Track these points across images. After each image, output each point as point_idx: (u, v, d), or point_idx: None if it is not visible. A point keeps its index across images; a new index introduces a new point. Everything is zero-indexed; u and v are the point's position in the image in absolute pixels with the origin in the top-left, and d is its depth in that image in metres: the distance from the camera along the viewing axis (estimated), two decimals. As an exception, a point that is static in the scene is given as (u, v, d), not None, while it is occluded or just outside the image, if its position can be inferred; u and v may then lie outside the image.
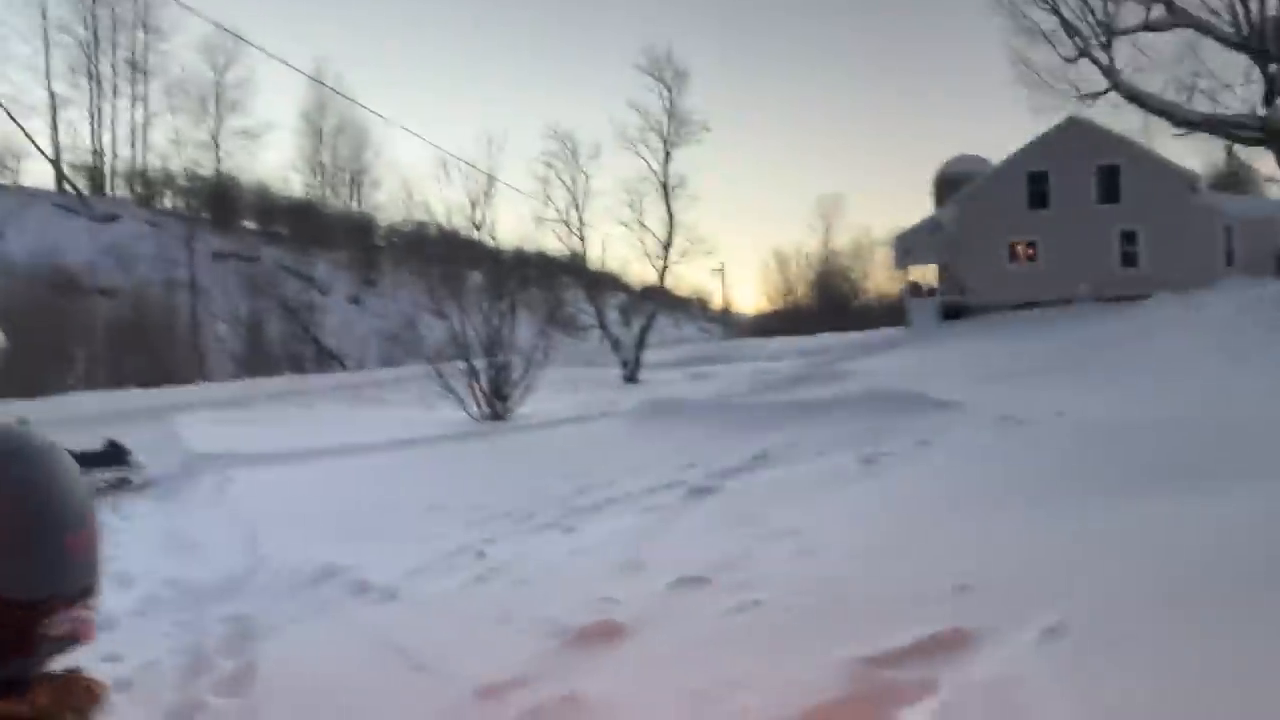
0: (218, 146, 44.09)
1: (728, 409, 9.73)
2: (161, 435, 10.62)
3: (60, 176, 41.36)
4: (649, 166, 26.89)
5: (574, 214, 27.91)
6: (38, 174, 41.68)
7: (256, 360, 35.12)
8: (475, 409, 12.50)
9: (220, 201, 44.73)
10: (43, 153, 40.90)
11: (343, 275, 47.99)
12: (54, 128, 40.64)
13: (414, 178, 51.25)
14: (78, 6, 40.35)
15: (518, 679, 2.55)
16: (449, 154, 13.17)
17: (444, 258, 47.36)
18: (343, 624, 3.54)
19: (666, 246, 26.31)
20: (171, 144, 43.49)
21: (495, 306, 13.45)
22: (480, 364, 12.96)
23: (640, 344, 23.20)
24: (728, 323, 50.84)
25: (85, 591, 0.87)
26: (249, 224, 46.14)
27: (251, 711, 2.57)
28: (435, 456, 9.33)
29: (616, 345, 23.79)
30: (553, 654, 2.74)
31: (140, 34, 41.97)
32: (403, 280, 50.07)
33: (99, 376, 28.66)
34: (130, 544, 5.92)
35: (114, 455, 8.33)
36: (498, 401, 12.71)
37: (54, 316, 28.95)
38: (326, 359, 39.69)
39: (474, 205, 13.16)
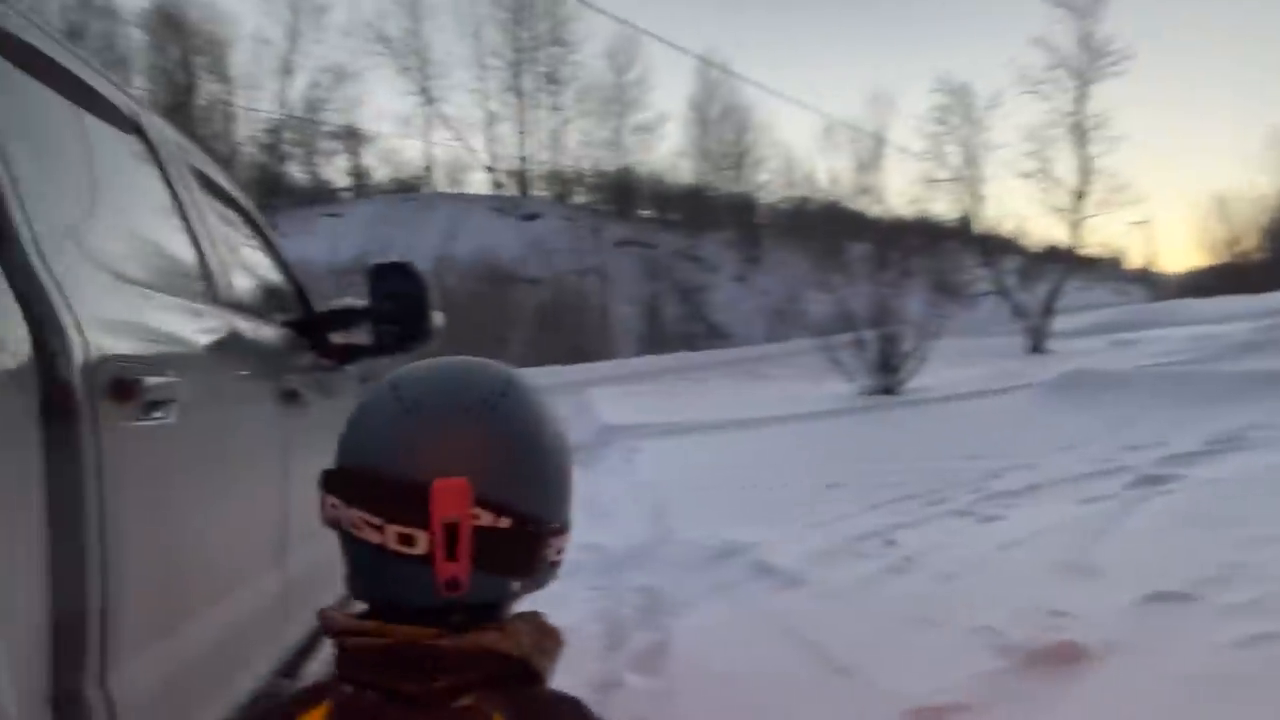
0: (620, 143, 47.90)
1: (1172, 381, 8.17)
2: (578, 407, 11.63)
3: (495, 183, 47.94)
4: (1058, 109, 23.72)
5: (969, 171, 25.84)
6: (478, 183, 48.87)
7: (655, 339, 37.75)
8: (864, 382, 12.00)
9: (622, 194, 48.67)
10: (481, 164, 47.80)
11: (729, 255, 49.67)
12: (489, 141, 47.25)
13: (796, 154, 51.38)
14: (505, 33, 46.40)
15: (959, 704, 2.15)
16: (833, 119, 12.64)
17: (827, 230, 47.11)
18: (747, 607, 3.38)
19: (1079, 197, 23.18)
20: (582, 145, 48.21)
21: (882, 275, 12.79)
22: (868, 336, 12.42)
23: (1048, 309, 20.80)
24: (1149, 283, 44.09)
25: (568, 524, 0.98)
26: (646, 212, 49.57)
27: (667, 696, 2.47)
28: (826, 431, 9.06)
29: (1019, 311, 21.54)
30: (1000, 677, 2.29)
31: (556, 49, 47.12)
32: (785, 256, 50.67)
33: (528, 356, 32.88)
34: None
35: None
36: (888, 374, 12.08)
37: (491, 305, 33.72)
38: (716, 336, 41.46)
39: (862, 169, 12.54)
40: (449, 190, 47.57)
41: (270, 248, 2.51)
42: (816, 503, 5.14)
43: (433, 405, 0.87)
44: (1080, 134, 23.27)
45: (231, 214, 2.22)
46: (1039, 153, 23.80)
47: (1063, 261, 23.45)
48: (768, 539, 4.11)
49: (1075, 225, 23.55)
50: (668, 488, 6.14)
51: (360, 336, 2.55)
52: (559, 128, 48.21)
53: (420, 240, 36.64)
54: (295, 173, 46.06)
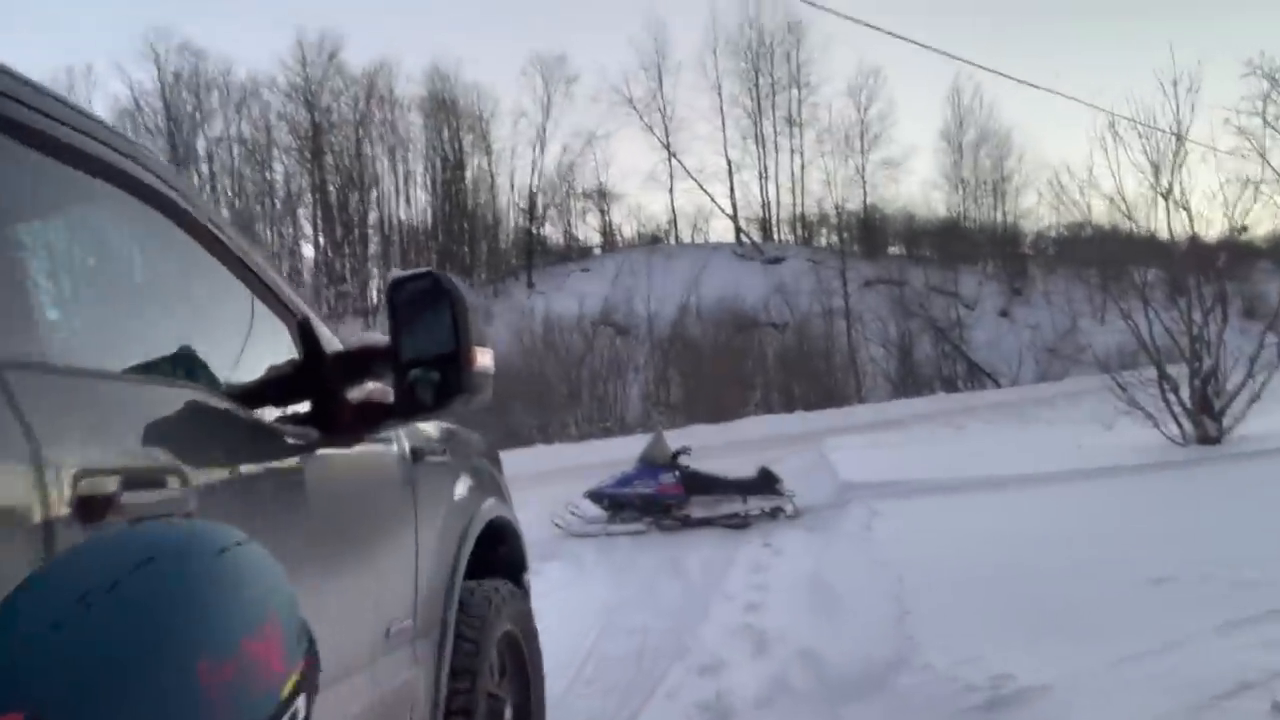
0: (864, 180, 46.14)
1: None
2: (814, 460, 10.38)
3: (737, 230, 47.78)
4: None
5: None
6: (720, 230, 48.90)
7: (908, 380, 35.21)
8: (1175, 429, 9.70)
9: (868, 232, 46.81)
10: (724, 212, 47.87)
11: (989, 288, 46.04)
12: (731, 189, 47.32)
13: (1065, 175, 46.75)
14: (744, 80, 46.48)
15: None
16: (1118, 116, 10.51)
17: (1107, 254, 42.06)
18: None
19: None
20: (824, 185, 46.95)
21: (1195, 299, 10.40)
22: (1178, 371, 10.08)
23: None
24: None
25: None
26: (895, 250, 47.33)
27: None
28: (1131, 493, 7.17)
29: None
30: None
31: (795, 92, 46.57)
32: (1055, 286, 46.06)
33: (772, 401, 31.77)
34: (778, 587, 5.31)
35: (766, 483, 8.15)
36: (1208, 419, 9.69)
37: (735, 351, 33.03)
38: (977, 375, 38.02)
39: (1157, 171, 10.30)
40: (693, 240, 48.05)
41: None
42: (1135, 610, 3.61)
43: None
44: None
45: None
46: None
47: None
48: (1063, 679, 2.73)
49: None
50: (915, 569, 4.81)
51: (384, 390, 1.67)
52: (800, 170, 47.32)
53: (664, 289, 36.93)
54: (552, 234, 48.59)
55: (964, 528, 6.06)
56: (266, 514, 1.34)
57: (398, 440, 1.89)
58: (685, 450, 8.34)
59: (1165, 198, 9.52)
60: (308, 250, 41.13)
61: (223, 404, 1.30)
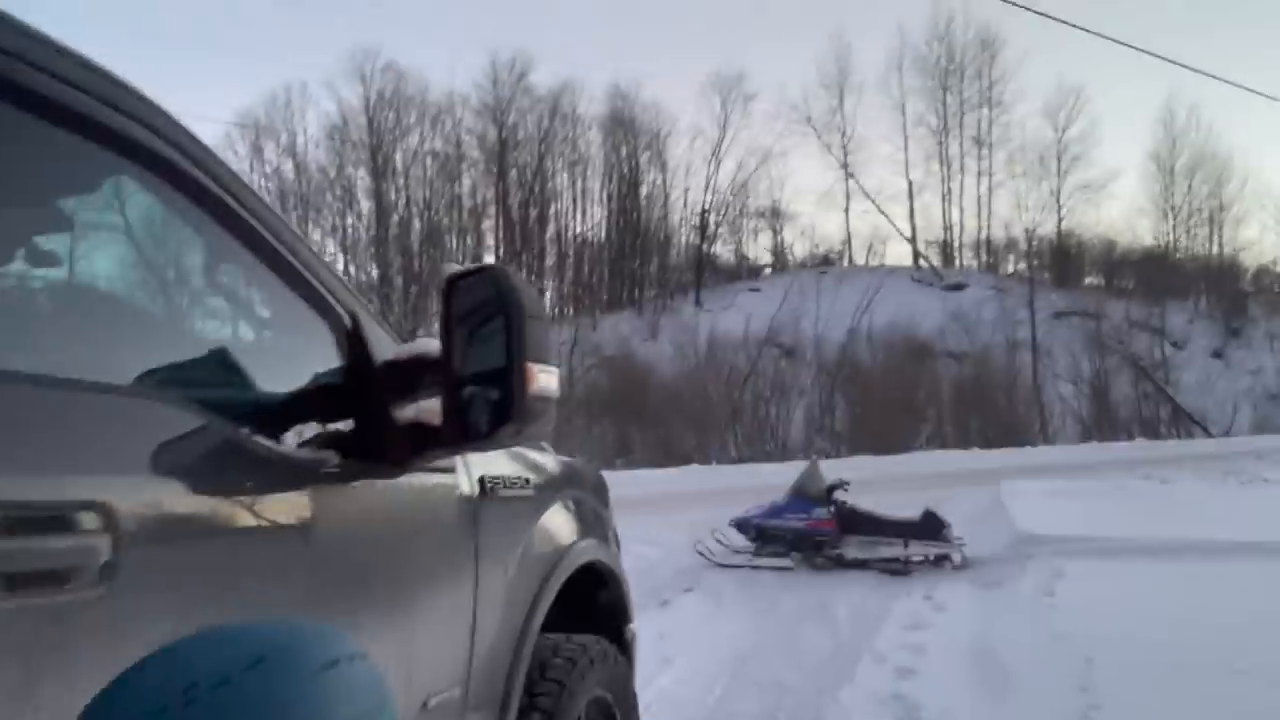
0: (1059, 205, 43.16)
1: None
2: (988, 504, 9.44)
3: (915, 254, 45.86)
4: None
5: None
6: (897, 254, 47.14)
7: (1102, 422, 32.32)
8: None
9: (1061, 259, 43.83)
10: (902, 234, 46.08)
11: (1201, 326, 41.90)
12: (911, 212, 45.59)
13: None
14: (931, 100, 44.65)
15: None
16: None
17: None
18: None
19: None
20: (1014, 209, 44.33)
21: None
22: None
23: None
24: None
25: None
26: (1091, 280, 44.06)
27: None
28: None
29: None
30: None
31: (985, 111, 44.32)
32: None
33: (946, 435, 29.97)
34: (937, 651, 4.69)
35: (931, 527, 7.39)
36: None
37: (908, 379, 31.47)
38: (1184, 422, 34.39)
39: None
40: (868, 262, 46.55)
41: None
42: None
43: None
44: None
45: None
46: None
47: None
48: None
49: None
50: (1106, 650, 4.08)
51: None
52: (988, 192, 44.83)
53: (835, 312, 35.81)
54: (722, 252, 48.42)
55: (1170, 602, 5.17)
56: (260, 563, 1.06)
57: (464, 469, 1.59)
58: (843, 484, 7.70)
59: None
60: (489, 259, 42.87)
61: (204, 421, 1.03)
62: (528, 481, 1.83)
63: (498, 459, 1.71)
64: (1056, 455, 20.26)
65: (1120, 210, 54.15)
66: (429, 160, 40.27)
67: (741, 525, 7.65)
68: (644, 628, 5.26)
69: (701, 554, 7.56)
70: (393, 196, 39.25)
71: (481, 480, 1.62)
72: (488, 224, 42.82)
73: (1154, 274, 41.29)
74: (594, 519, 2.18)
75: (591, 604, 2.19)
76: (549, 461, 2.04)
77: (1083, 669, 3.83)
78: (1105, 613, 4.90)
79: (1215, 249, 44.74)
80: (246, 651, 0.78)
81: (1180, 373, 37.16)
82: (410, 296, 33.09)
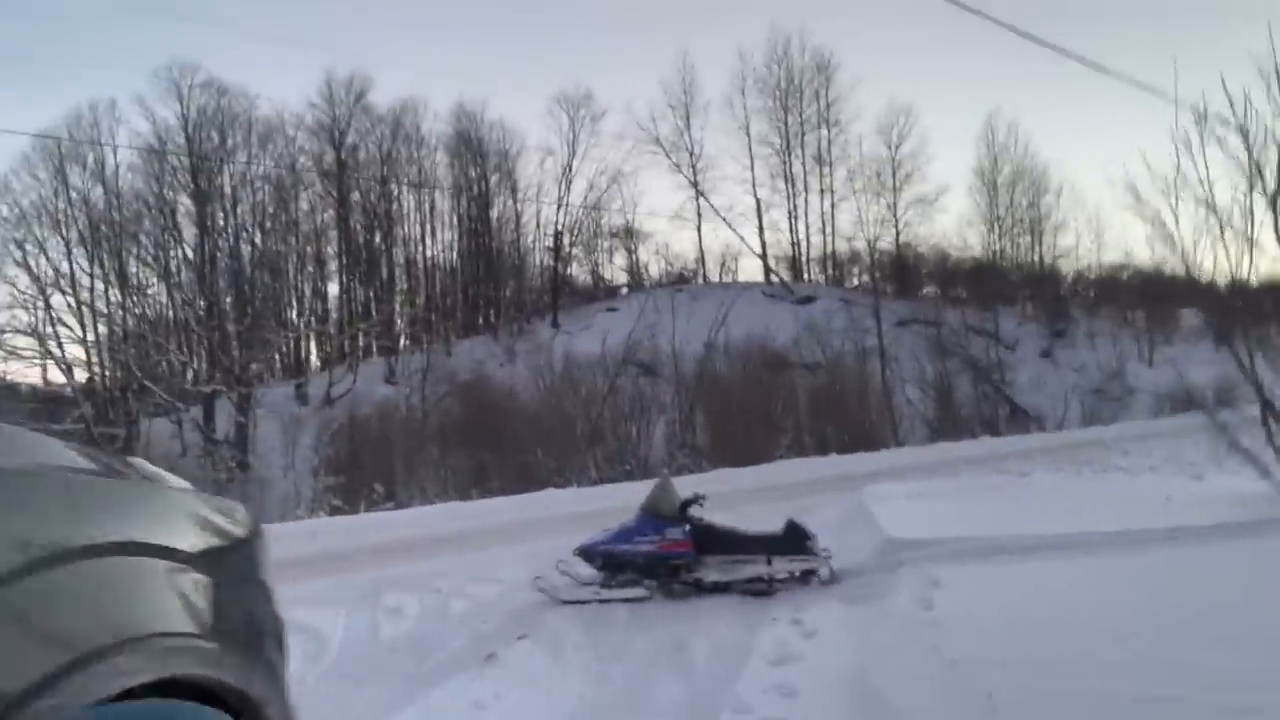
0: (896, 219, 44.95)
1: None
2: (851, 510, 8.93)
3: (766, 269, 46.69)
4: None
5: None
6: (749, 269, 47.85)
7: (947, 423, 33.45)
8: (1284, 478, 8.16)
9: (901, 271, 45.68)
10: (753, 251, 46.82)
11: (1029, 329, 44.61)
12: (760, 229, 46.38)
13: (1103, 214, 45.25)
14: (772, 119, 45.66)
15: None
16: (1203, 114, 8.88)
17: (1151, 295, 40.30)
18: None
19: None
20: (855, 224, 45.86)
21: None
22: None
23: None
24: None
25: None
26: (929, 289, 46.16)
27: None
28: (1248, 561, 5.67)
29: None
30: None
31: (824, 131, 45.73)
32: (1099, 328, 44.51)
33: (805, 444, 30.16)
34: (810, 692, 3.91)
35: (794, 539, 6.71)
36: (1324, 466, 8.16)
37: (764, 391, 31.54)
38: (1021, 418, 36.13)
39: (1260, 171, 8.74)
40: (721, 279, 47.00)
41: None
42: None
43: None
44: None
45: None
46: None
47: None
48: None
49: None
50: (1007, 678, 3.40)
51: None
52: (831, 209, 46.26)
53: (691, 329, 35.65)
54: (579, 273, 47.72)
55: (1060, 609, 4.60)
56: None
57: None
58: (698, 499, 6.88)
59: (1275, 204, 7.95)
60: (333, 289, 40.45)
61: None
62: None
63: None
64: (912, 456, 20.47)
65: (952, 222, 57.18)
66: (258, 184, 37.58)
67: (587, 553, 6.71)
68: (457, 697, 4.25)
69: (543, 590, 6.58)
70: (221, 221, 36.29)
71: None
72: (330, 249, 40.42)
73: (984, 282, 43.60)
74: (219, 601, 1.20)
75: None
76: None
77: (982, 706, 3.12)
78: (994, 629, 4.27)
79: (1036, 257, 47.74)
80: None
81: (1014, 373, 39.17)
82: (245, 324, 30.50)
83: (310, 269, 40.14)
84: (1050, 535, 6.41)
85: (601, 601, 6.41)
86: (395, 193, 42.39)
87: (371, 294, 40.88)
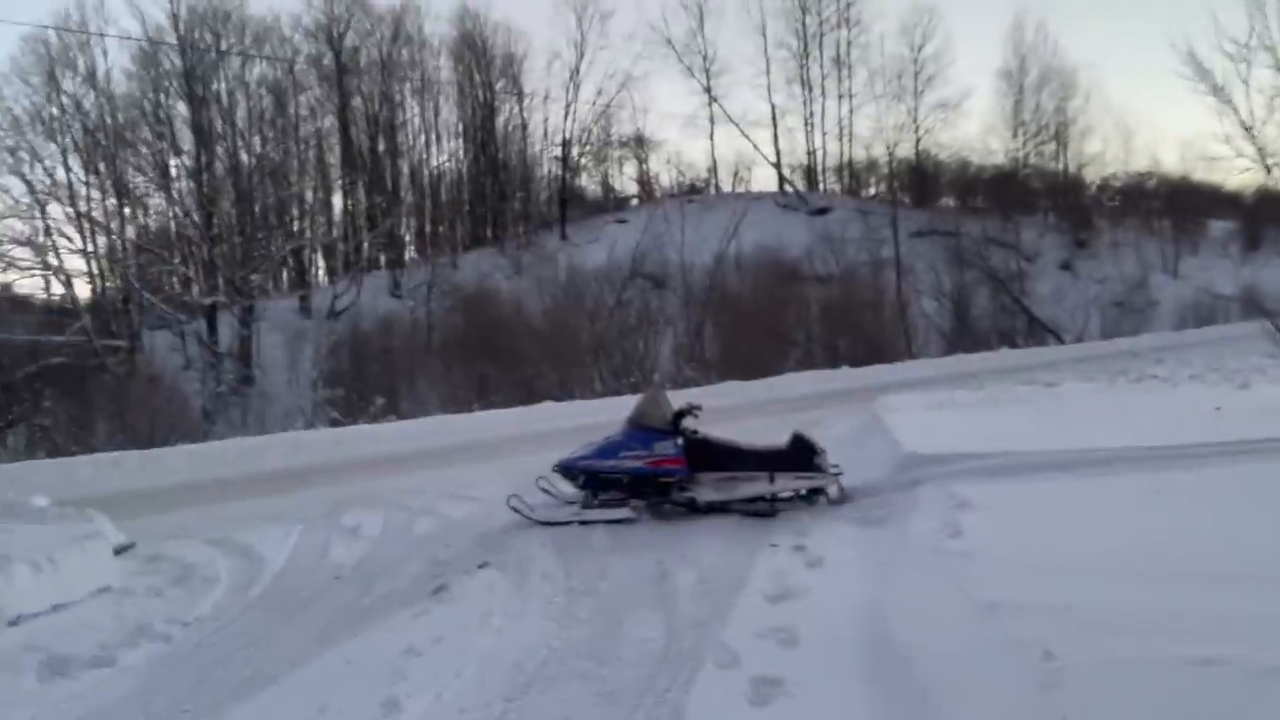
0: (917, 124, 42.99)
1: None
2: (865, 423, 8.17)
3: (781, 179, 45.15)
4: None
5: None
6: (763, 179, 46.29)
7: (964, 335, 32.53)
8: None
9: (919, 180, 44.12)
10: (767, 159, 45.21)
11: (1050, 240, 43.14)
12: (775, 136, 44.69)
13: (1134, 118, 43.20)
14: (790, 20, 43.43)
15: None
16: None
17: (1179, 204, 38.86)
18: None
19: None
20: (873, 131, 44.10)
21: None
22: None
23: None
24: None
25: None
26: (948, 199, 44.68)
27: None
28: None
29: None
30: None
31: (844, 32, 43.49)
32: (1123, 238, 43.05)
33: (816, 357, 29.40)
34: (813, 639, 3.18)
35: (801, 454, 5.94)
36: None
37: (776, 304, 30.65)
38: (1039, 331, 35.13)
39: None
40: (734, 189, 45.55)
41: None
42: None
43: None
44: None
45: None
46: None
47: None
48: None
49: None
50: (1053, 627, 2.64)
51: None
52: (849, 115, 44.33)
53: (702, 240, 34.51)
54: (588, 185, 46.32)
55: (1119, 536, 3.82)
56: None
57: None
58: (692, 409, 6.08)
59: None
60: (336, 200, 39.27)
61: None
62: None
63: None
64: (926, 369, 19.65)
65: (975, 129, 54.93)
66: (255, 88, 36.00)
67: (568, 469, 5.97)
68: (390, 640, 3.55)
69: (516, 510, 5.87)
70: (219, 128, 34.91)
71: None
72: (332, 158, 39.07)
73: (1005, 191, 42.02)
74: None
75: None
76: None
77: (1046, 678, 2.36)
78: (1037, 563, 3.50)
79: (1061, 165, 45.91)
80: None
81: (1034, 285, 37.94)
82: (246, 233, 29.55)
83: (311, 178, 38.91)
84: (1093, 450, 5.61)
85: (582, 523, 5.70)
86: (398, 99, 40.82)
87: (377, 204, 39.73)
